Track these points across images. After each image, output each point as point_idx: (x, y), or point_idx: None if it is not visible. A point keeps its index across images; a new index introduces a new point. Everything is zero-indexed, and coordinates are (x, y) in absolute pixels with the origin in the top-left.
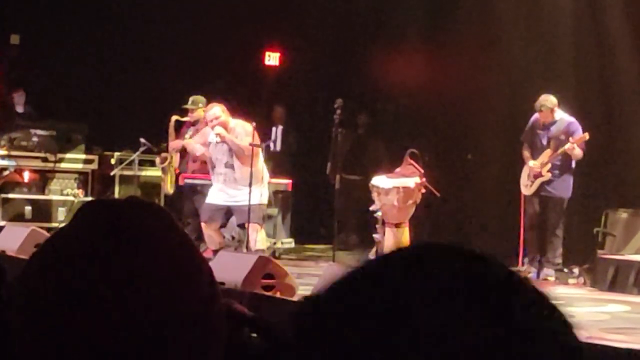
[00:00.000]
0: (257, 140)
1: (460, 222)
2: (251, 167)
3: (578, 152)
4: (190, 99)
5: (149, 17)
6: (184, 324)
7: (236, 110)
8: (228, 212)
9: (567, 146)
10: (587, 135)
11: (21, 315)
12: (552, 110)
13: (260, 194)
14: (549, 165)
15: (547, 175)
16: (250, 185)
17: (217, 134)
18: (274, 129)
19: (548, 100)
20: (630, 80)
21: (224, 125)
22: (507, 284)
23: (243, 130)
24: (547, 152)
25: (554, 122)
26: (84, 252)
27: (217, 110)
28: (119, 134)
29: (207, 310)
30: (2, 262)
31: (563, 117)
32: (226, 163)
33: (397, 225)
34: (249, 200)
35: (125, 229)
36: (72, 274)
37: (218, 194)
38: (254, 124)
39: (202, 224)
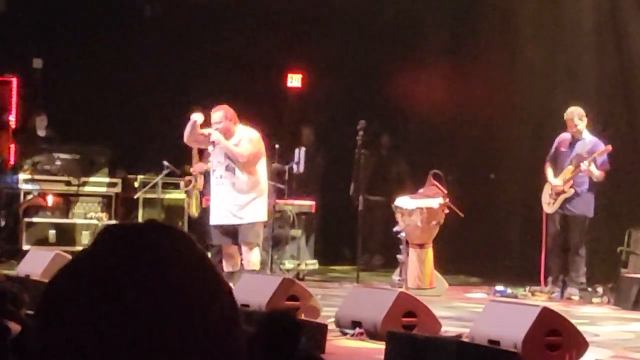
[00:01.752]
0: (261, 149)
1: (484, 242)
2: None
3: (597, 174)
4: None
5: (172, 40)
6: (204, 346)
7: (259, 131)
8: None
9: (585, 164)
10: (610, 148)
11: (43, 339)
12: (580, 118)
13: (258, 210)
14: (571, 182)
15: (570, 192)
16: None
17: (212, 141)
18: (297, 150)
19: (576, 110)
20: None
21: (226, 131)
22: None
23: (246, 137)
24: (570, 169)
25: (579, 141)
26: (106, 277)
27: (218, 116)
28: (142, 158)
29: (227, 332)
30: (25, 287)
31: (588, 137)
32: (227, 167)
33: (421, 246)
34: (244, 218)
35: (146, 253)
36: (93, 298)
37: (219, 212)
38: (278, 146)
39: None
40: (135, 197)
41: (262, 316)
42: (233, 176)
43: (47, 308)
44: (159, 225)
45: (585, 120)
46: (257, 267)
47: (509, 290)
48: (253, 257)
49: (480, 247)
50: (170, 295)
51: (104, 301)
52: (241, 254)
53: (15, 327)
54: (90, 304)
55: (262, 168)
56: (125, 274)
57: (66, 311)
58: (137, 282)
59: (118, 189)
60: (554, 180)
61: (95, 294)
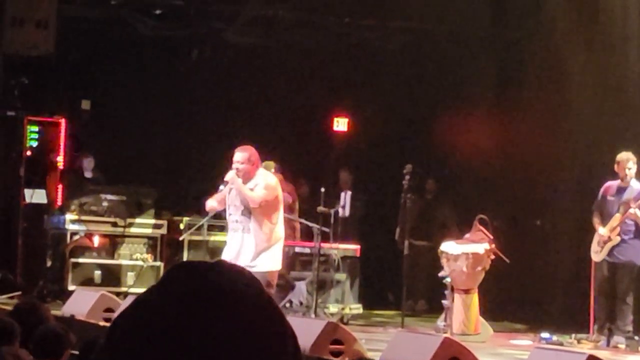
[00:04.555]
0: (277, 197)
1: (529, 288)
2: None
3: None
4: (263, 164)
5: (219, 84)
6: None
7: (304, 174)
8: None
9: (631, 210)
10: None
11: None
12: (634, 163)
13: (272, 259)
14: (618, 229)
15: (616, 239)
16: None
17: (226, 181)
18: (342, 194)
19: (629, 154)
20: None
21: (245, 173)
22: None
23: (263, 182)
24: (617, 217)
25: (626, 188)
26: (171, 315)
27: (242, 156)
28: (188, 199)
29: None
30: (70, 327)
31: (635, 184)
32: (243, 210)
33: (466, 292)
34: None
35: (213, 293)
36: (158, 336)
37: (231, 257)
38: (323, 190)
39: None
40: (181, 238)
41: None
42: (248, 221)
43: (112, 344)
44: (227, 266)
45: (635, 166)
46: None
47: (555, 337)
48: None
49: (526, 293)
50: (236, 336)
51: (169, 339)
52: None
53: None
54: (155, 342)
55: (278, 215)
56: (191, 313)
57: (131, 348)
58: (203, 322)
59: (163, 230)
60: (600, 229)
61: (161, 332)
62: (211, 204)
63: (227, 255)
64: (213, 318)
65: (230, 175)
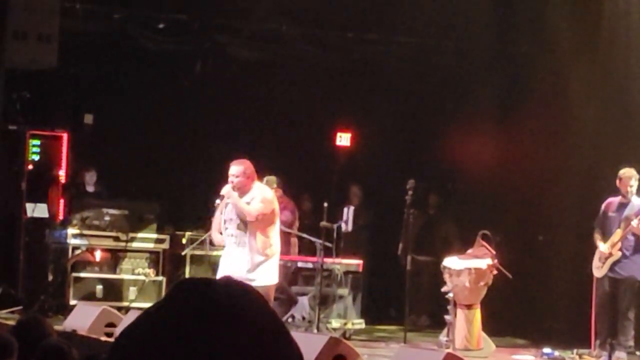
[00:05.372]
0: (274, 210)
1: (531, 304)
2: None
3: None
4: (265, 179)
5: (222, 97)
6: None
7: (307, 189)
8: None
9: (633, 223)
10: None
11: None
12: (629, 179)
13: (270, 273)
14: (620, 245)
15: (618, 255)
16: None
17: (222, 195)
18: (345, 209)
19: (632, 170)
20: None
21: (241, 186)
22: None
23: (260, 195)
24: (618, 232)
25: (627, 204)
26: (177, 331)
27: (237, 169)
28: (190, 214)
29: None
30: (71, 342)
31: (636, 200)
32: (239, 224)
33: (469, 307)
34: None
35: (218, 310)
36: (163, 352)
37: (227, 272)
38: (326, 205)
39: None
40: (183, 253)
41: None
42: (244, 235)
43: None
44: (233, 283)
45: (637, 182)
46: None
47: (556, 353)
48: None
49: (528, 309)
50: (241, 352)
51: (173, 356)
52: None
53: None
54: (160, 357)
55: (274, 229)
56: (196, 330)
57: None
58: (208, 338)
59: (165, 245)
60: (601, 246)
61: (165, 349)
62: (218, 238)
63: (222, 270)
64: (217, 334)
65: (226, 189)
